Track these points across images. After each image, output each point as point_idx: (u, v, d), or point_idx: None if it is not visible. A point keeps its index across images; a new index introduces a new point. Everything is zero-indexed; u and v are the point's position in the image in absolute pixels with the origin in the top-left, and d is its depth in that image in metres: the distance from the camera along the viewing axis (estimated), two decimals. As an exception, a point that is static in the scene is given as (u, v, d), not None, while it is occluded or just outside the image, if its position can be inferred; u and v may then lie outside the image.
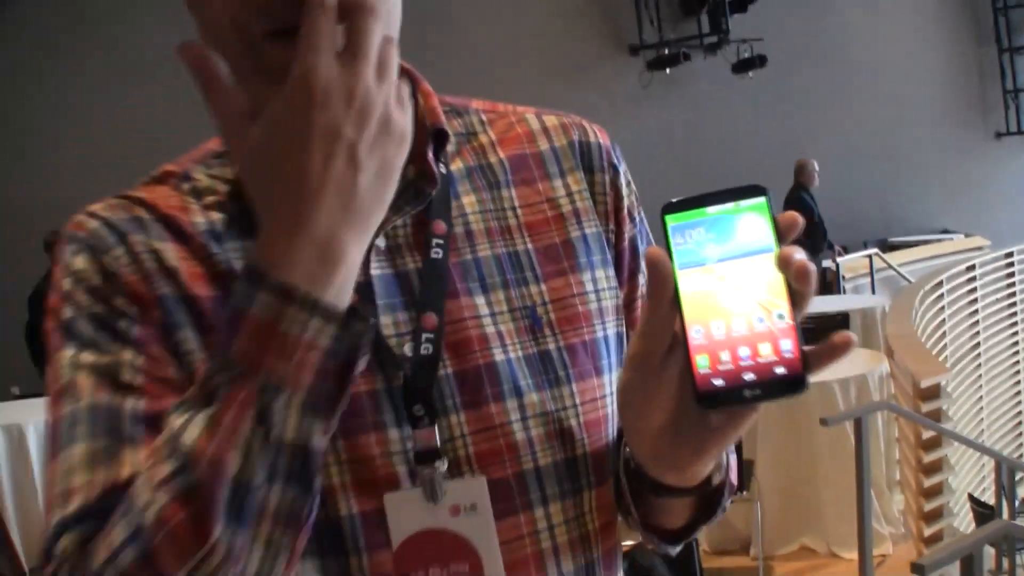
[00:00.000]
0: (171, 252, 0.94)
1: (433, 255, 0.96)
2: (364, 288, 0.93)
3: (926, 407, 4.51)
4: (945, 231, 12.99)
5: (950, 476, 4.84)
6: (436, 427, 0.92)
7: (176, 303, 0.91)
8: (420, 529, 0.92)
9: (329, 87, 0.77)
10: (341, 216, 0.76)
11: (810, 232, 9.72)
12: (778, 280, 0.76)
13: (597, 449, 0.99)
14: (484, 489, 0.93)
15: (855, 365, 5.36)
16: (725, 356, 0.77)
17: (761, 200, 0.78)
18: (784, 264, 0.75)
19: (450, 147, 1.03)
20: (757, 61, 12.17)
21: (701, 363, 0.77)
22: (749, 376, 0.76)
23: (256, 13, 0.85)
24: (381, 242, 0.95)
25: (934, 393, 4.53)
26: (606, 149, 1.09)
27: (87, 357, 0.89)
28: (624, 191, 1.09)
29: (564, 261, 1.01)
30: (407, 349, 0.93)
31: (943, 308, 7.71)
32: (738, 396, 0.77)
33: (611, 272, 1.04)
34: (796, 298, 0.76)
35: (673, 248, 0.78)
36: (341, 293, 0.77)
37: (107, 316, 0.91)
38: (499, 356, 0.96)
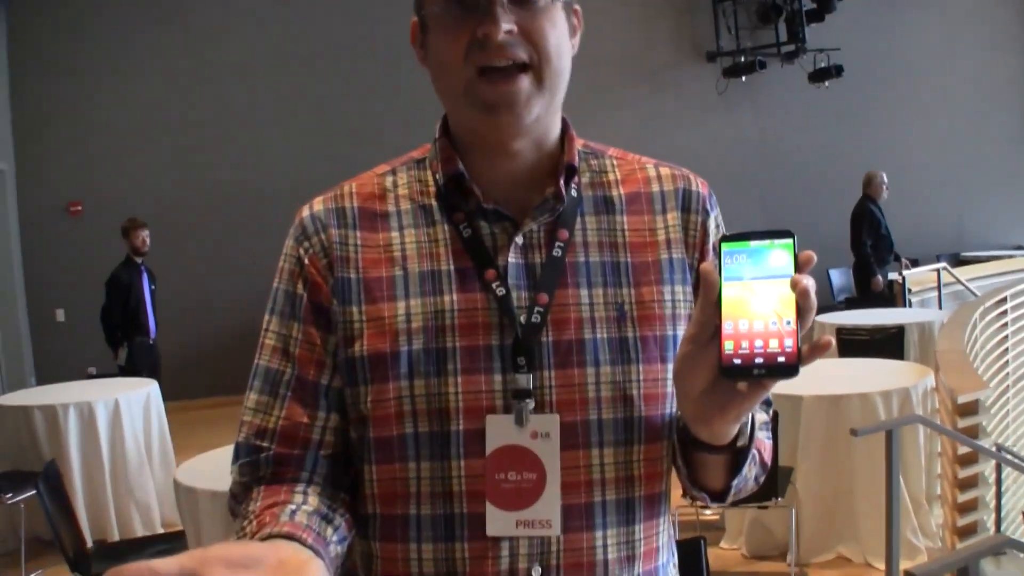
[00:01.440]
0: (359, 241, 1.32)
1: (555, 253, 1.32)
2: (503, 271, 1.30)
3: (963, 423, 4.51)
4: (1020, 247, 12.79)
5: (999, 493, 4.84)
6: (531, 375, 1.27)
7: (352, 283, 1.30)
8: (507, 444, 1.26)
9: None
10: None
11: (877, 244, 9.66)
12: (791, 297, 1.06)
13: (651, 416, 1.31)
14: (556, 423, 1.27)
15: (899, 378, 5.38)
16: (744, 344, 1.08)
17: (789, 240, 1.08)
18: (794, 285, 1.06)
19: (584, 179, 1.39)
20: (833, 71, 12.14)
21: (727, 347, 1.08)
22: (759, 360, 1.07)
23: (475, 53, 1.24)
24: (520, 239, 1.31)
25: (972, 409, 4.53)
26: (703, 197, 1.42)
27: (275, 324, 1.34)
28: (711, 231, 1.41)
29: (652, 275, 1.35)
30: (522, 318, 1.28)
31: (1006, 324, 7.62)
32: (748, 373, 1.08)
33: (688, 289, 1.37)
34: (801, 311, 1.06)
35: (723, 265, 1.10)
36: None
37: (292, 294, 1.33)
38: (588, 335, 1.29)
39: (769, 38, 12.68)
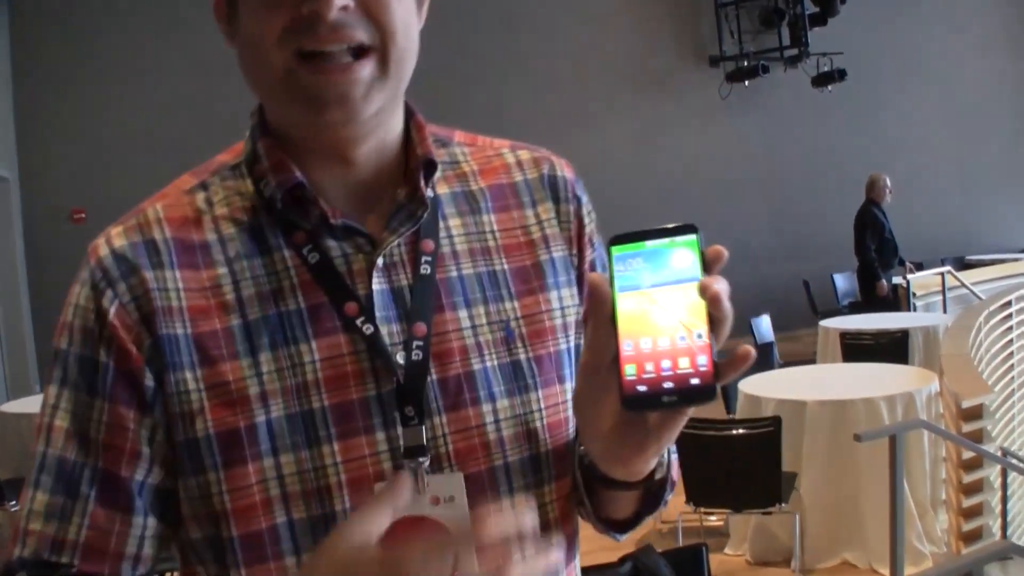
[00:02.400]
0: (180, 284, 1.03)
1: (422, 271, 1.08)
2: (366, 302, 1.05)
3: (968, 427, 4.51)
4: (1024, 250, 12.79)
5: (1004, 498, 4.84)
6: (424, 427, 1.04)
7: (179, 341, 1.01)
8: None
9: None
10: None
11: (881, 248, 9.65)
12: (700, 305, 0.88)
13: (558, 447, 1.11)
14: (461, 484, 1.04)
15: (904, 383, 5.37)
16: (649, 367, 0.89)
17: (692, 237, 0.89)
18: (702, 291, 0.87)
19: (436, 173, 1.13)
20: (836, 75, 12.15)
21: (629, 372, 0.89)
22: (668, 384, 0.88)
23: (298, 33, 0.97)
24: (380, 261, 1.06)
25: (976, 413, 4.53)
26: (571, 182, 1.20)
27: (66, 401, 1.03)
28: (586, 220, 1.20)
29: (534, 281, 1.13)
30: (399, 357, 1.04)
31: (1011, 328, 7.60)
32: (657, 401, 0.89)
33: (574, 291, 1.17)
34: (714, 321, 0.88)
35: (615, 274, 0.90)
36: None
37: (91, 361, 1.02)
38: (476, 365, 1.08)
39: (772, 42, 12.68)
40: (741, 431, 4.69)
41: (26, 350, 10.56)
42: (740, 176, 12.41)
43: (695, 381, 0.88)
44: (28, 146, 10.74)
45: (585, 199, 1.20)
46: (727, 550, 5.49)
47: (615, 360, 0.90)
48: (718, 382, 0.88)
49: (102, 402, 1.01)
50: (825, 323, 8.00)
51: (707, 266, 0.89)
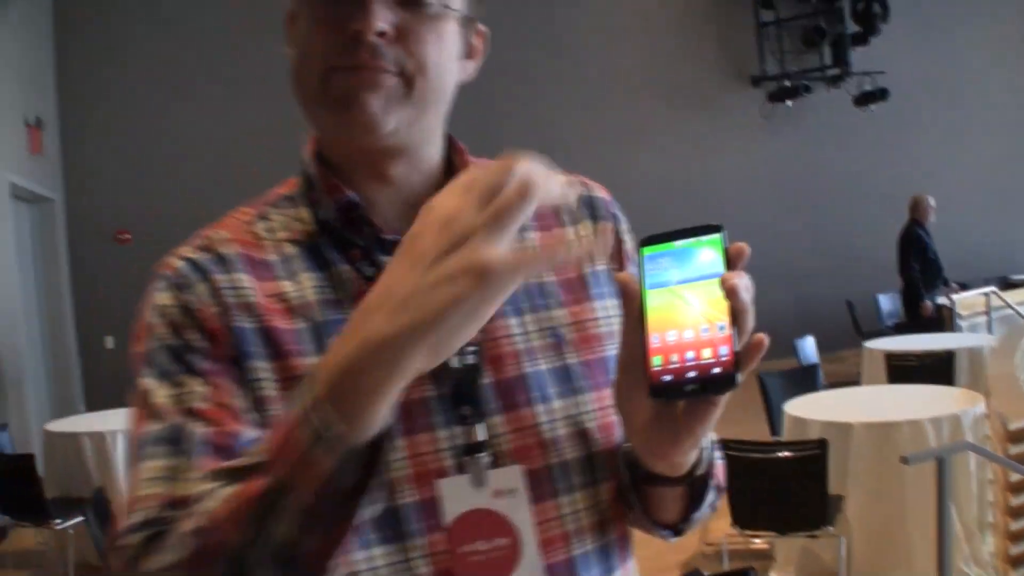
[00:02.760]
0: (250, 286, 1.10)
1: None
2: None
3: (1015, 449, 4.44)
4: (1070, 270, 12.62)
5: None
6: (480, 425, 1.10)
7: (252, 334, 1.07)
8: (468, 509, 1.08)
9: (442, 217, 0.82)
10: (393, 322, 0.82)
11: (925, 268, 9.57)
12: (723, 299, 0.92)
13: (609, 448, 1.17)
14: (520, 476, 1.10)
15: (950, 404, 5.31)
16: (675, 358, 0.94)
17: (717, 236, 0.95)
18: (722, 285, 0.92)
19: None
20: (878, 94, 12.10)
21: (656, 362, 0.95)
22: (691, 374, 0.93)
23: (332, 49, 1.06)
24: None
25: (1023, 436, 4.47)
26: (608, 202, 1.28)
27: (164, 387, 1.05)
28: (625, 237, 1.28)
29: (581, 291, 1.21)
30: (454, 361, 1.09)
31: (1058, 350, 7.50)
32: (680, 390, 0.94)
33: (617, 302, 1.19)
34: (735, 313, 0.92)
35: (645, 272, 0.97)
36: (366, 414, 0.84)
37: (181, 349, 1.06)
38: (530, 368, 1.14)
39: (814, 62, 12.65)
40: (787, 453, 4.65)
41: (71, 370, 10.67)
42: (782, 196, 12.36)
43: (716, 370, 0.92)
44: (74, 167, 10.88)
45: (623, 217, 1.28)
46: (772, 573, 5.43)
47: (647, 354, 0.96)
48: (738, 371, 0.92)
49: (200, 377, 1.05)
50: (870, 344, 7.93)
51: (731, 262, 0.94)
